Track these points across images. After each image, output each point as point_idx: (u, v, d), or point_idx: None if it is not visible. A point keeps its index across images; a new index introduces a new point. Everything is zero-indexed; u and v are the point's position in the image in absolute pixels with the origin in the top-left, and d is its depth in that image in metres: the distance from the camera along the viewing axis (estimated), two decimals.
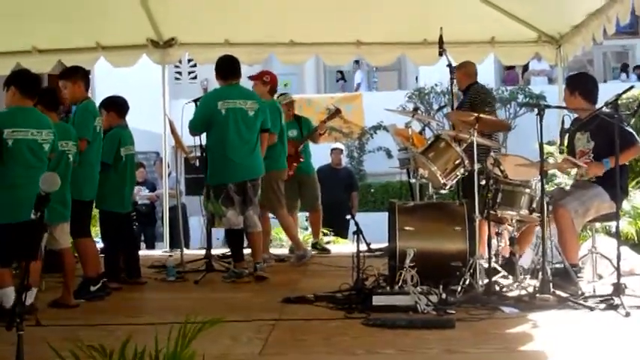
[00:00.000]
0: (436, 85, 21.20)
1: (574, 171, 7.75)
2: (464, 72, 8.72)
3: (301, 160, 9.99)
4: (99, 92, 7.60)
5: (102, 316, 6.43)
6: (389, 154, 21.35)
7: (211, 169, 8.24)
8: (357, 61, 24.52)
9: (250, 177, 8.13)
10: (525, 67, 24.05)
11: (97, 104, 7.86)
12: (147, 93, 13.49)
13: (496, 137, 8.53)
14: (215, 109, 8.02)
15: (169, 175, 13.05)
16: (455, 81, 8.42)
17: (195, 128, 8.26)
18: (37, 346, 4.11)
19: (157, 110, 11.78)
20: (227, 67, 8.30)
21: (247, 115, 8.11)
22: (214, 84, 8.80)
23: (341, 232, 12.66)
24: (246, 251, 8.39)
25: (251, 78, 9.39)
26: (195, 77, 24.96)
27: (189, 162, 12.91)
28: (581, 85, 7.23)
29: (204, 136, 8.43)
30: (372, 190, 20.93)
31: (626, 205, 9.27)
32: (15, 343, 3.70)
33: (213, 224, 8.21)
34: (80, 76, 7.51)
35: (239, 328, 5.62)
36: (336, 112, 10.61)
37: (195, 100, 8.65)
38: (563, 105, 7.53)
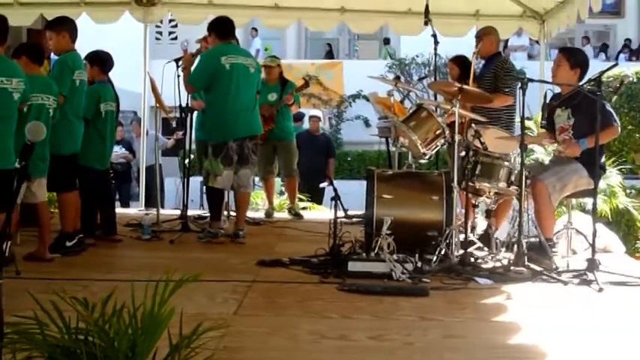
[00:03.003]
0: (417, 56, 21.16)
1: (553, 147, 7.77)
2: (493, 39, 8.21)
3: (272, 126, 9.94)
4: (77, 48, 7.51)
5: (77, 271, 6.42)
6: (367, 123, 21.37)
7: (211, 125, 8.17)
8: (254, 28, 24.43)
9: (250, 134, 8.09)
10: (505, 43, 24.04)
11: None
12: (126, 52, 13.36)
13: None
14: (219, 64, 7.89)
15: (147, 133, 13.01)
16: (477, 47, 8.09)
17: (195, 84, 8.14)
18: (16, 298, 4.08)
19: (136, 70, 11.70)
20: (225, 26, 8.20)
21: (249, 72, 8.06)
22: (195, 46, 8.76)
23: (317, 198, 12.67)
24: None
25: None
26: (175, 38, 24.75)
27: (168, 122, 12.86)
28: (582, 62, 7.05)
29: (184, 96, 8.42)
30: (349, 159, 20.93)
31: (601, 183, 9.32)
32: None
33: (207, 182, 8.11)
34: (65, 27, 7.34)
35: (215, 288, 5.65)
36: (304, 85, 10.55)
37: (176, 60, 8.60)
38: (547, 80, 7.49)
